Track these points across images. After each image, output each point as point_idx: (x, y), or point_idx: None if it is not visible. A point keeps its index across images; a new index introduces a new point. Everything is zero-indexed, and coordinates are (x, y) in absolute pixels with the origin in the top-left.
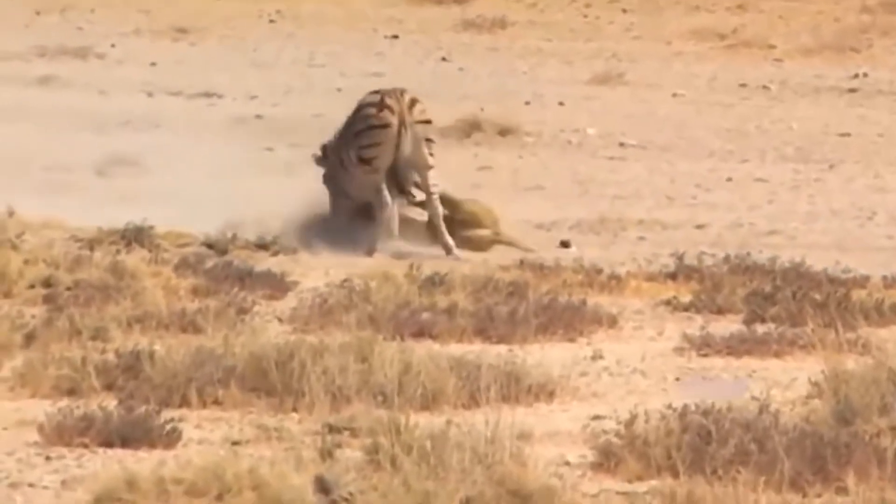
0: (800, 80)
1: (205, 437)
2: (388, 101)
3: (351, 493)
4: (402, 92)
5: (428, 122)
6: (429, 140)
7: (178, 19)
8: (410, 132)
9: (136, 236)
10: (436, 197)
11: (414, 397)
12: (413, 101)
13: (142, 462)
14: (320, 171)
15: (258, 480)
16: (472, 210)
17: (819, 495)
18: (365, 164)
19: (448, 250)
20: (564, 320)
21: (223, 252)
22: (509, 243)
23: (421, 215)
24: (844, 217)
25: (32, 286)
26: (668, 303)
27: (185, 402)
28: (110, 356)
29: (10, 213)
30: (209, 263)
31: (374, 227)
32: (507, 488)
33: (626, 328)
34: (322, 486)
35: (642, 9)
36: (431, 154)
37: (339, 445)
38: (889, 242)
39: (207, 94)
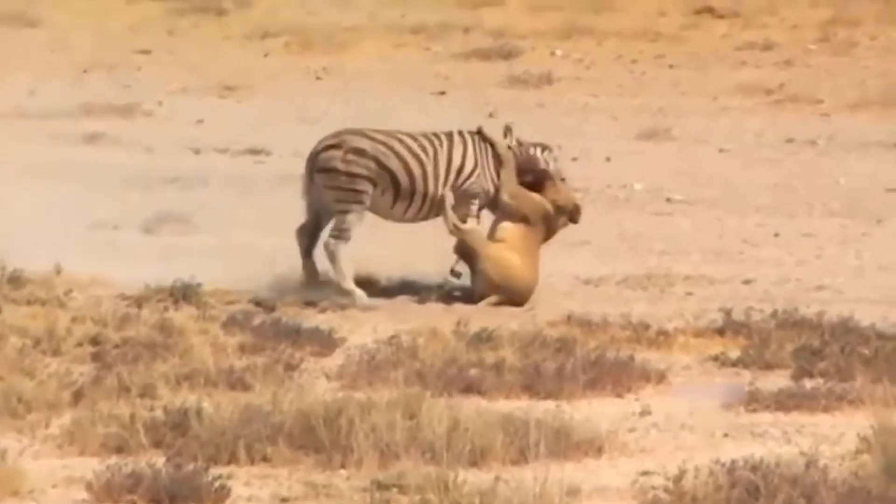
0: (847, 135)
1: (253, 494)
2: (312, 149)
3: None
4: (329, 138)
5: (328, 170)
6: (341, 189)
7: (225, 76)
8: (315, 180)
9: (183, 294)
10: (330, 241)
11: (462, 453)
12: (322, 150)
13: None
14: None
15: None
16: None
17: None
18: None
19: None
20: (612, 376)
21: (271, 309)
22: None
23: None
24: (892, 272)
25: (80, 344)
26: (715, 358)
27: (233, 459)
28: (158, 413)
29: (58, 271)
30: (257, 320)
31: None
32: None
33: (674, 384)
34: None
35: (689, 64)
36: (342, 201)
37: (387, 502)
38: None
39: (254, 151)
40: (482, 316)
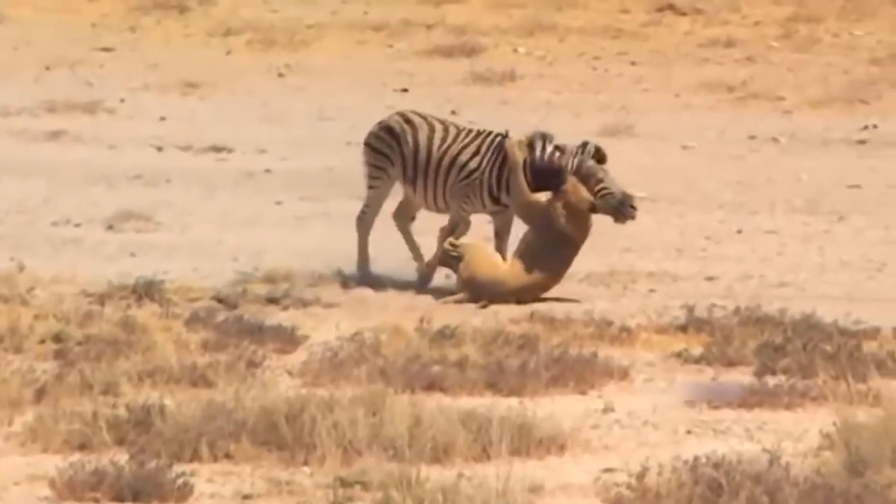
0: (809, 132)
1: (216, 491)
2: None
3: None
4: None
5: (363, 143)
6: (367, 164)
7: (187, 74)
8: None
9: (146, 291)
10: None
11: (425, 451)
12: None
13: None
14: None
15: None
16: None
17: None
18: None
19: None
20: (575, 373)
21: (233, 306)
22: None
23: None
24: (854, 269)
25: (43, 341)
26: (678, 355)
27: (196, 457)
28: (121, 411)
29: (21, 269)
30: (220, 317)
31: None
32: None
33: (636, 380)
34: None
35: (651, 61)
36: (366, 176)
37: (350, 499)
38: None
39: (217, 149)
40: (445, 313)
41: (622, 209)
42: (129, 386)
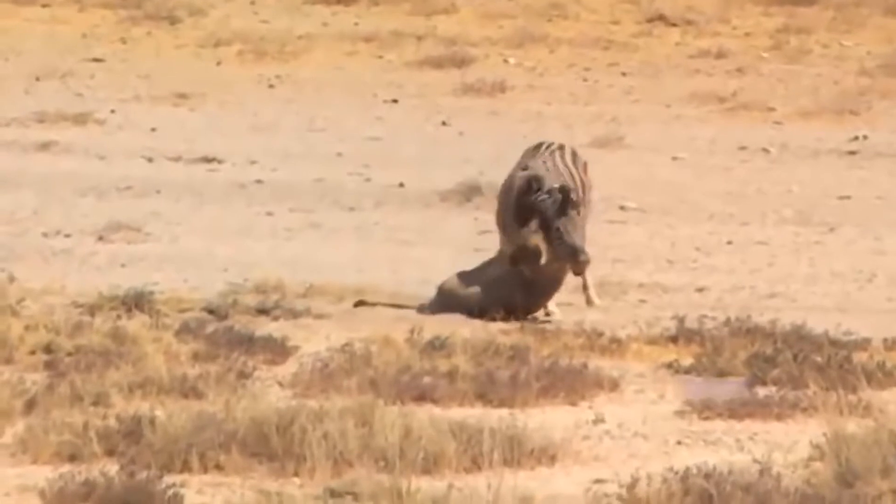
0: (799, 143)
1: (206, 502)
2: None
3: None
4: None
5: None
6: None
7: (178, 84)
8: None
9: (136, 301)
10: None
11: (415, 461)
12: None
13: None
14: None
15: None
16: None
17: None
18: None
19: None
20: (566, 384)
21: (224, 317)
22: None
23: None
24: (845, 279)
25: (33, 352)
26: (669, 366)
27: (186, 468)
28: (111, 422)
29: (11, 280)
30: (210, 328)
31: None
32: None
33: (627, 391)
34: None
35: (642, 72)
36: None
37: None
38: (889, 305)
39: (207, 159)
40: (435, 324)
41: (572, 261)
42: (119, 397)
